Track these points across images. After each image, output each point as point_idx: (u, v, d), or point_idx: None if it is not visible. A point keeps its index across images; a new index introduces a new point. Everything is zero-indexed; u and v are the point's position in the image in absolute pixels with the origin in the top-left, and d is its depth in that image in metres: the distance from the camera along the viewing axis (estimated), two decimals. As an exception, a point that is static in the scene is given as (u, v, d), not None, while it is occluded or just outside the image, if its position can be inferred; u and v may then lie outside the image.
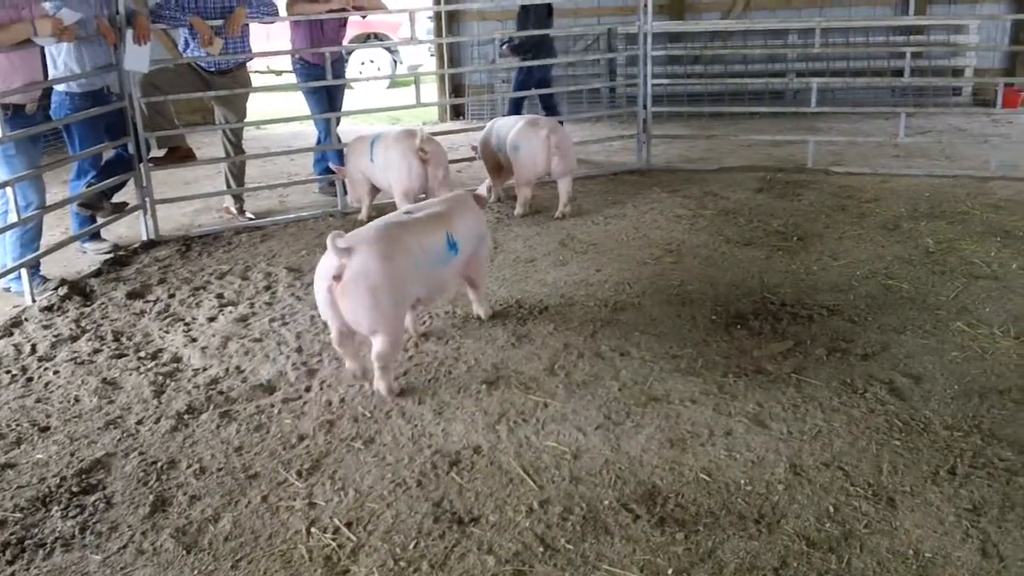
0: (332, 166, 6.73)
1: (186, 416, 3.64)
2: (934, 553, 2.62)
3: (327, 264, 3.56)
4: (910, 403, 3.48)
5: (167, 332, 4.56)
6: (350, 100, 7.53)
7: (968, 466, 3.03)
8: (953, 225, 5.78)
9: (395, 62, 15.16)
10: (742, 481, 3.00)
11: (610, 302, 4.65)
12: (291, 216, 6.74)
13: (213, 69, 6.45)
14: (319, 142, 7.35)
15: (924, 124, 9.39)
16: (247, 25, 6.46)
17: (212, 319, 4.71)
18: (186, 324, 4.66)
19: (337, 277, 3.52)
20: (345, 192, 6.80)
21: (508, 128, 6.43)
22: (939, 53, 10.33)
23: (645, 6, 7.50)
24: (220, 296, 5.04)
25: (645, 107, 7.74)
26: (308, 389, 3.85)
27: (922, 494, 2.89)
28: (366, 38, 14.20)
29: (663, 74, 9.74)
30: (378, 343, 3.62)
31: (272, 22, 6.86)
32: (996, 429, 3.26)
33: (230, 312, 4.78)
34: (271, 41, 10.84)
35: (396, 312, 3.64)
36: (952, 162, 7.66)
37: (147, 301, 5.02)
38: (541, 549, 2.70)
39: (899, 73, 8.79)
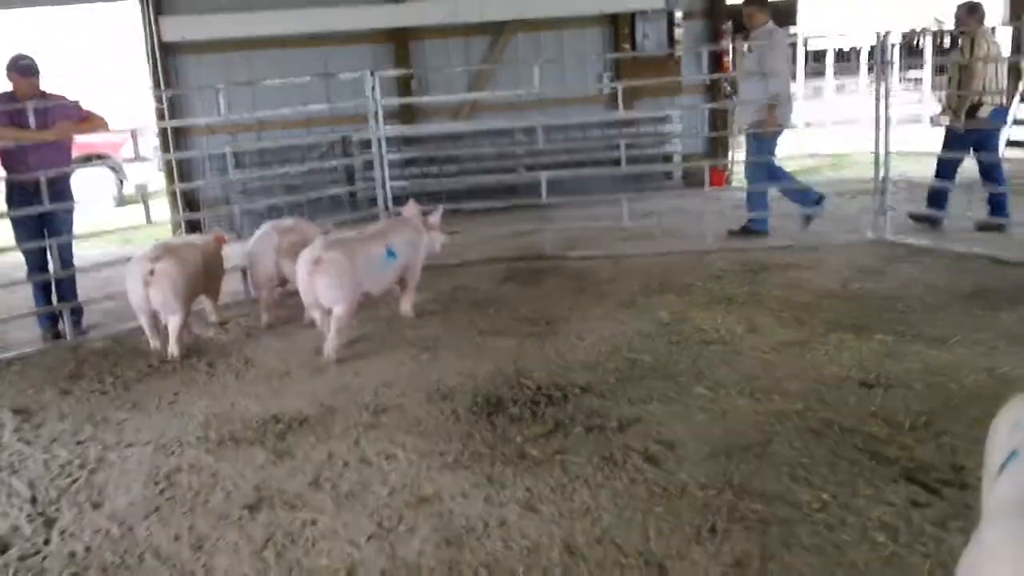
0: None
1: None
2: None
3: (309, 253, 5.19)
4: (666, 469, 3.65)
5: None
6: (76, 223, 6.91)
7: (726, 522, 3.19)
8: (682, 297, 6.24)
9: (120, 181, 14.44)
10: (520, 570, 2.99)
11: (371, 406, 4.58)
12: (12, 354, 6.12)
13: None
14: (30, 274, 6.48)
15: (646, 207, 10.13)
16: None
17: (-79, 478, 4.14)
18: None
19: (316, 262, 5.11)
20: (76, 324, 6.34)
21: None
22: (649, 142, 11.29)
23: (376, 114, 7.70)
24: (-70, 451, 4.46)
25: (386, 208, 7.87)
26: (47, 542, 3.45)
27: (688, 556, 3.00)
28: (86, 159, 13.41)
29: (401, 176, 9.96)
30: (338, 310, 5.23)
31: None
32: (745, 483, 3.47)
33: (-57, 468, 4.24)
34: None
35: (352, 294, 5.27)
36: (675, 240, 8.29)
37: None
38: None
39: (617, 163, 9.48)
